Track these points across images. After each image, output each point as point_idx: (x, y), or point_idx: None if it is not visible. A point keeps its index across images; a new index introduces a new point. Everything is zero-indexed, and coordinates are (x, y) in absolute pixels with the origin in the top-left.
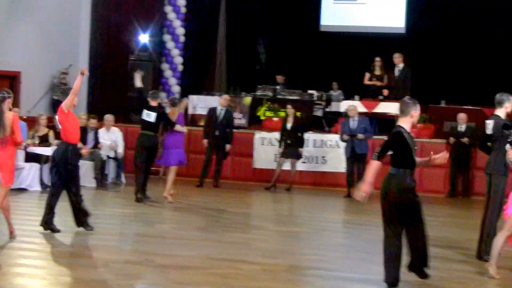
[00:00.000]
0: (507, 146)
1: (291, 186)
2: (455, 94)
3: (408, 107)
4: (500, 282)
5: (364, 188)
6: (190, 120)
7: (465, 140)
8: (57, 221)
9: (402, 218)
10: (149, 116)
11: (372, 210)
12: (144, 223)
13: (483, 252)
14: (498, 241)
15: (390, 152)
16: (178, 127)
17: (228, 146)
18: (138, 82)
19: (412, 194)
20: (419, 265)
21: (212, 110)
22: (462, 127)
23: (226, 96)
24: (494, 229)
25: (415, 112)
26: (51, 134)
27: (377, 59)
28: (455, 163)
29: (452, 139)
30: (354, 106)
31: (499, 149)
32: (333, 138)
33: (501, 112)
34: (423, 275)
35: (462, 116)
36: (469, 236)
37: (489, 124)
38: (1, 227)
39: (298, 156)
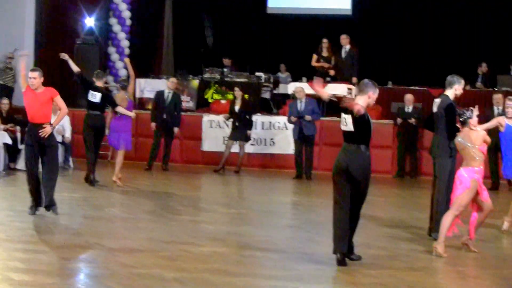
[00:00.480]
0: (458, 125)
1: (240, 169)
2: (402, 75)
3: (366, 87)
4: (447, 260)
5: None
6: (138, 103)
7: (412, 120)
8: (3, 207)
9: (357, 193)
10: (94, 96)
11: (320, 191)
12: (93, 207)
13: (432, 230)
14: (446, 221)
15: (350, 129)
16: (120, 109)
17: (176, 129)
18: (73, 67)
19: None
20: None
21: (160, 93)
22: (409, 108)
23: (173, 79)
24: (442, 209)
25: (373, 94)
26: None
27: (324, 41)
28: (402, 143)
29: (399, 120)
30: (302, 88)
31: (441, 131)
32: (281, 120)
33: (450, 93)
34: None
35: (409, 97)
36: (417, 215)
37: (436, 102)
38: None
39: (247, 139)
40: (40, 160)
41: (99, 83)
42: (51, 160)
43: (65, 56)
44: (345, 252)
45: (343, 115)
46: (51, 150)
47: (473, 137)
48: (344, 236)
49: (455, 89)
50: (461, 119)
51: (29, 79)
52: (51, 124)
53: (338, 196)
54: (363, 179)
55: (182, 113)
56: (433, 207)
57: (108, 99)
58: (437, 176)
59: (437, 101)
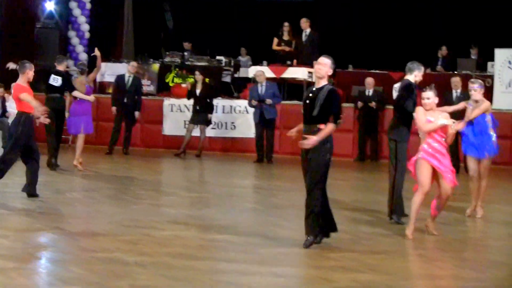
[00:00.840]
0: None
1: (201, 152)
2: (363, 58)
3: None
4: (409, 243)
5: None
6: (98, 87)
7: (372, 104)
8: None
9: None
10: (56, 80)
11: (280, 175)
12: (54, 191)
13: (393, 212)
14: (415, 202)
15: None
16: (77, 93)
17: (137, 113)
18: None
19: None
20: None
21: (120, 77)
22: (369, 91)
23: (133, 63)
24: (401, 191)
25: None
26: None
27: (286, 24)
28: (363, 127)
29: (360, 103)
30: (262, 71)
31: (401, 115)
32: (242, 104)
33: (410, 78)
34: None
35: (369, 81)
36: (378, 198)
37: (396, 88)
38: None
39: (207, 122)
40: None
41: (60, 67)
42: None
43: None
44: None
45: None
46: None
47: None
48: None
49: (415, 75)
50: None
51: None
52: None
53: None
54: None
55: (143, 97)
56: (393, 191)
57: (67, 84)
58: (399, 159)
59: (397, 86)
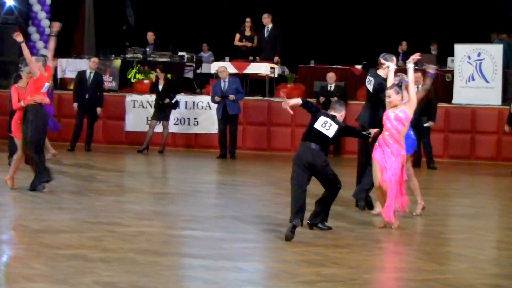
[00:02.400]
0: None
1: (164, 148)
2: (324, 54)
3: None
4: (372, 237)
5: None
6: (60, 84)
7: (334, 99)
8: None
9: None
10: None
11: (244, 170)
12: (16, 188)
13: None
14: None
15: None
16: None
17: (99, 109)
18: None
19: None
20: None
21: (81, 74)
22: (331, 86)
23: (94, 59)
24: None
25: None
26: None
27: (248, 20)
28: None
29: (322, 98)
30: (225, 67)
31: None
32: (204, 99)
33: (381, 72)
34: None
35: (331, 75)
36: (340, 193)
37: (370, 80)
38: None
39: (168, 116)
40: None
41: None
42: None
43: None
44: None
45: (328, 120)
46: None
47: None
48: (301, 209)
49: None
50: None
51: None
52: None
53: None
54: (330, 171)
55: (105, 93)
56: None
57: None
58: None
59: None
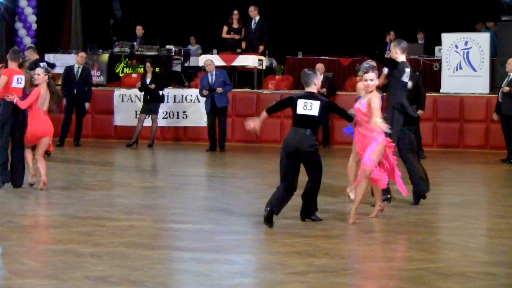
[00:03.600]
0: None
1: (153, 142)
2: (312, 45)
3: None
4: (362, 227)
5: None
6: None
7: (323, 90)
8: None
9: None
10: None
11: (233, 163)
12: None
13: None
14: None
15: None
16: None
17: (87, 104)
18: None
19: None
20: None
21: (69, 69)
22: (320, 77)
23: (82, 54)
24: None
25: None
26: None
27: (235, 12)
28: None
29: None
30: (211, 60)
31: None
32: (193, 92)
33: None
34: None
35: (319, 66)
36: (330, 183)
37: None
38: None
39: (156, 111)
40: None
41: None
42: None
43: None
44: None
45: (307, 100)
46: None
47: None
48: (281, 200)
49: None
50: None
51: None
52: None
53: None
54: (315, 156)
55: (93, 88)
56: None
57: None
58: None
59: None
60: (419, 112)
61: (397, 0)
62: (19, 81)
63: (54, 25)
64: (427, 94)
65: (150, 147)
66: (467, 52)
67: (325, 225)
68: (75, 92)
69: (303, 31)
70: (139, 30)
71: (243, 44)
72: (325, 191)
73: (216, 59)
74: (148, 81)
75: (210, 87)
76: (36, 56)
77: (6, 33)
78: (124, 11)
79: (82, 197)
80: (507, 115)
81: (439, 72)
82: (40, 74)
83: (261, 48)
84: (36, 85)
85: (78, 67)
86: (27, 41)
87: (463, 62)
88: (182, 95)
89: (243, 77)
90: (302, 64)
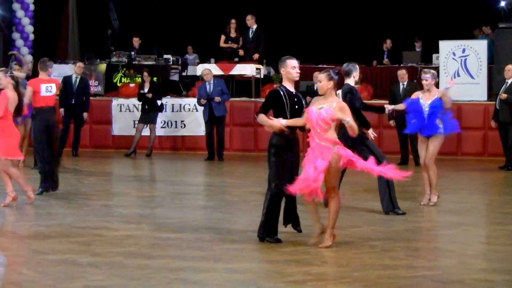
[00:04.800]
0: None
1: (151, 152)
2: (310, 53)
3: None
4: (361, 235)
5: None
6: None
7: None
8: None
9: None
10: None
11: (231, 172)
12: (3, 194)
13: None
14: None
15: None
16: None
17: (85, 114)
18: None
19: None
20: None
21: (67, 79)
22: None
23: (80, 64)
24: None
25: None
26: None
27: (232, 21)
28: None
29: (308, 98)
30: (209, 70)
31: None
32: (191, 102)
33: (350, 82)
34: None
35: (317, 75)
36: None
37: (339, 94)
38: None
39: (154, 120)
40: None
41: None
42: None
43: None
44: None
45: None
46: None
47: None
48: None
49: (353, 77)
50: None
51: None
52: None
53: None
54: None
55: (91, 98)
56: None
57: None
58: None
59: (339, 92)
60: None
61: (395, 8)
62: (48, 89)
63: (51, 35)
64: None
65: (148, 156)
66: (465, 60)
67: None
68: (73, 102)
69: (300, 39)
70: (136, 42)
71: (241, 52)
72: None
73: (213, 68)
74: (146, 90)
75: (208, 96)
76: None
77: (3, 44)
78: (121, 21)
79: (80, 207)
80: (505, 122)
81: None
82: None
83: (256, 56)
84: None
85: (76, 77)
86: (24, 51)
87: (461, 69)
88: (180, 104)
89: (241, 86)
90: (300, 73)
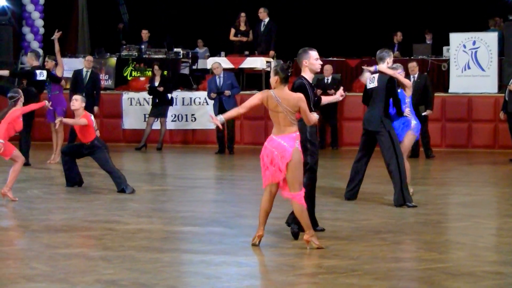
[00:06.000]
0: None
1: (162, 145)
2: (320, 46)
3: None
4: (370, 228)
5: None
6: None
7: (331, 91)
8: None
9: None
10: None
11: (242, 165)
12: (14, 189)
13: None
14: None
15: None
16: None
17: (96, 108)
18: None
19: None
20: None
21: (77, 73)
22: (328, 79)
23: (89, 57)
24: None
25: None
26: None
27: (242, 14)
28: (322, 114)
29: (319, 91)
30: (218, 63)
31: (379, 105)
32: (201, 95)
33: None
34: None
35: (327, 68)
36: (339, 185)
37: (373, 77)
38: None
39: (165, 114)
40: None
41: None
42: None
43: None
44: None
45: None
46: None
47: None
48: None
49: (387, 63)
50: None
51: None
52: None
53: None
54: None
55: (101, 92)
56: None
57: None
58: (387, 147)
59: (375, 76)
60: (428, 112)
61: (405, 0)
62: None
63: (62, 30)
64: (436, 94)
65: (159, 150)
66: (475, 52)
67: (335, 227)
68: (83, 96)
69: (310, 32)
70: (145, 34)
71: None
72: (333, 192)
73: (223, 62)
74: (156, 84)
75: (218, 89)
76: (36, 63)
77: (13, 38)
78: (131, 15)
79: (91, 201)
80: None
81: (447, 72)
82: None
83: (272, 53)
84: None
85: (87, 71)
86: (35, 45)
87: (471, 61)
88: (191, 98)
89: (251, 79)
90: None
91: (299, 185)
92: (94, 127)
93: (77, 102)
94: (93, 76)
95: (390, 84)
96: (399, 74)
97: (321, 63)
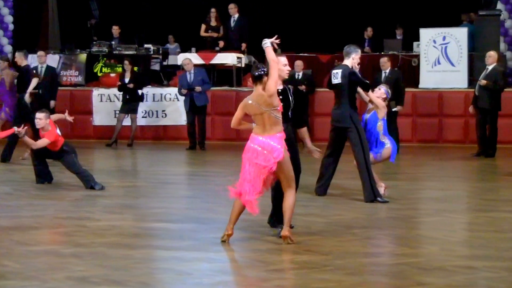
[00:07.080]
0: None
1: (133, 142)
2: (291, 42)
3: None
4: (343, 223)
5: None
6: None
7: (302, 87)
8: None
9: None
10: None
11: (214, 161)
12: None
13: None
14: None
15: None
16: None
17: (52, 102)
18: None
19: None
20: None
21: (33, 69)
22: (299, 75)
23: (41, 52)
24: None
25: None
26: None
27: (213, 10)
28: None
29: (290, 87)
30: (189, 59)
31: (345, 101)
32: (172, 91)
33: (348, 63)
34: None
35: (298, 63)
36: (311, 180)
37: (336, 73)
38: None
39: (135, 110)
40: None
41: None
42: None
43: None
44: None
45: None
46: None
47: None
48: None
49: (352, 58)
50: (256, 74)
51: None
52: None
53: None
54: None
55: (72, 88)
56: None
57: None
58: (355, 144)
59: (337, 71)
60: (398, 107)
61: None
62: None
63: (32, 26)
64: (406, 89)
65: (130, 146)
66: (445, 47)
67: (307, 222)
68: (40, 92)
69: (281, 28)
70: (116, 30)
71: (221, 43)
72: (306, 187)
73: (194, 58)
74: (127, 80)
75: (189, 85)
76: (25, 62)
77: None
78: (101, 11)
79: (62, 198)
80: (483, 109)
81: (417, 67)
82: None
83: (244, 46)
84: None
85: (42, 67)
86: (4, 41)
87: (442, 57)
88: (161, 94)
89: (222, 75)
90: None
91: (293, 182)
92: (58, 133)
93: (41, 121)
94: (48, 70)
95: (353, 77)
96: (382, 92)
97: (290, 69)
